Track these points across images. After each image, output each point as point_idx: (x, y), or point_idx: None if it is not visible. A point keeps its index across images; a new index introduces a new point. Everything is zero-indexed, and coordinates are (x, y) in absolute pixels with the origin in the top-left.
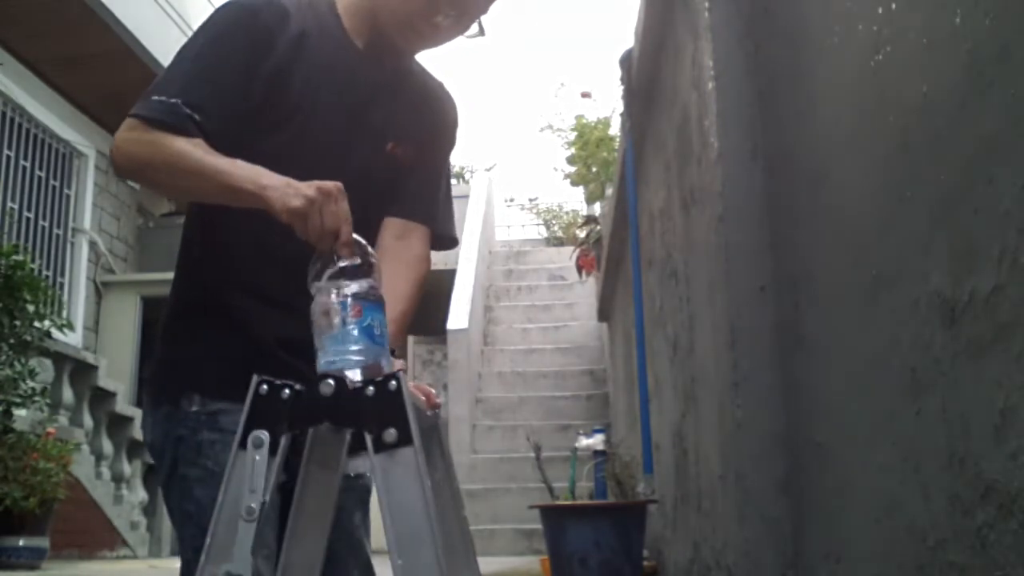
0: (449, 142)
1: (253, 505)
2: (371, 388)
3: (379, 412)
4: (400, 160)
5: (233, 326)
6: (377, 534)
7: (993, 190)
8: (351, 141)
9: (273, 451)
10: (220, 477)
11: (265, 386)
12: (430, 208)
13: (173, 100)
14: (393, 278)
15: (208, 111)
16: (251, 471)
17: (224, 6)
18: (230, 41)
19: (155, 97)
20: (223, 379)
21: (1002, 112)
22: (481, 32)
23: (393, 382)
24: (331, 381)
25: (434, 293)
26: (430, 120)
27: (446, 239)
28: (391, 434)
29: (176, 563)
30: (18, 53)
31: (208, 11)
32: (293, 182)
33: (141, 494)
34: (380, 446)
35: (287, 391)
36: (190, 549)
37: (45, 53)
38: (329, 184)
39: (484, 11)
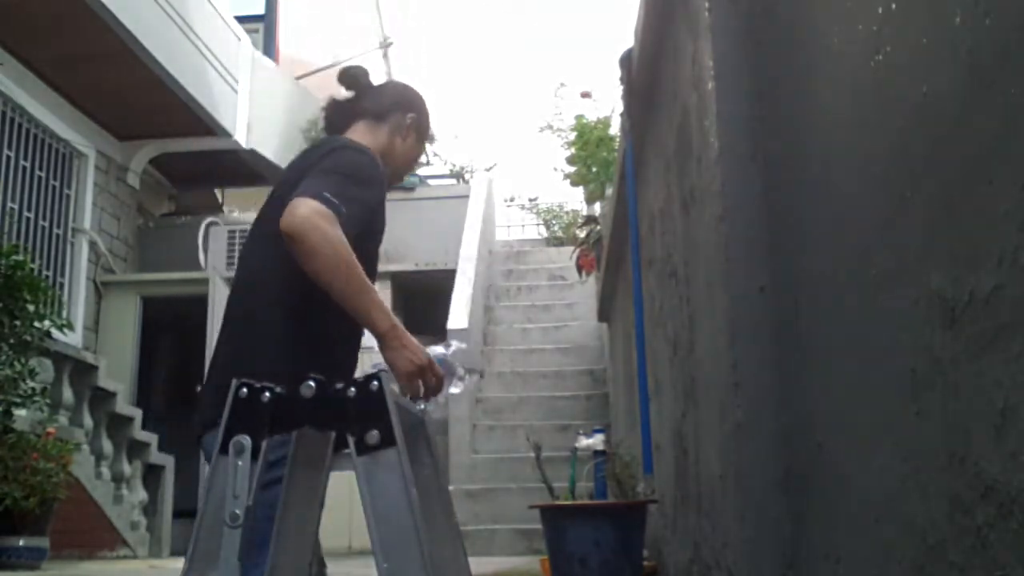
0: None
1: (237, 511)
2: (352, 389)
3: (361, 413)
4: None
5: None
6: (361, 533)
7: (993, 190)
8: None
9: (255, 455)
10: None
11: (245, 389)
12: None
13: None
14: None
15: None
16: (233, 477)
17: (370, 156)
18: (375, 187)
19: (344, 210)
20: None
21: (1002, 112)
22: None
23: (375, 383)
24: (312, 383)
25: (434, 293)
26: None
27: None
28: (373, 436)
29: (176, 563)
30: (18, 53)
31: (208, 14)
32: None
33: (141, 494)
34: (362, 448)
35: (267, 394)
36: None
37: (45, 53)
38: (425, 359)
39: None
